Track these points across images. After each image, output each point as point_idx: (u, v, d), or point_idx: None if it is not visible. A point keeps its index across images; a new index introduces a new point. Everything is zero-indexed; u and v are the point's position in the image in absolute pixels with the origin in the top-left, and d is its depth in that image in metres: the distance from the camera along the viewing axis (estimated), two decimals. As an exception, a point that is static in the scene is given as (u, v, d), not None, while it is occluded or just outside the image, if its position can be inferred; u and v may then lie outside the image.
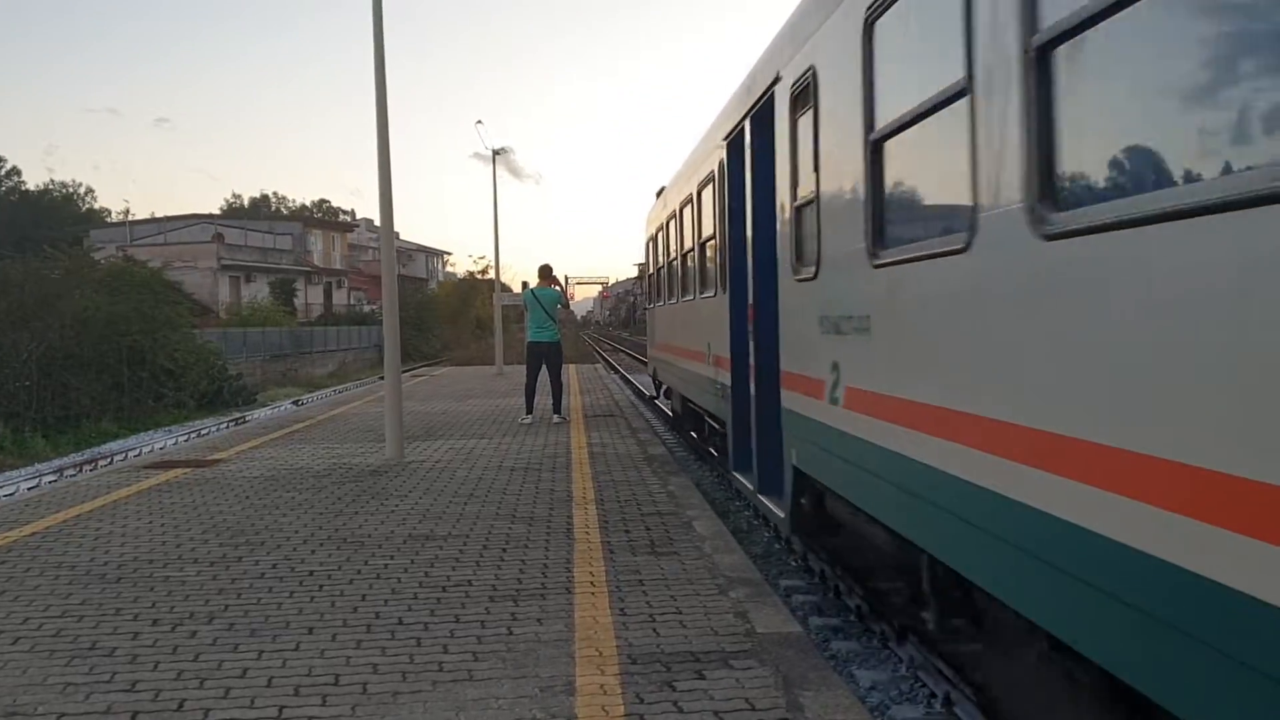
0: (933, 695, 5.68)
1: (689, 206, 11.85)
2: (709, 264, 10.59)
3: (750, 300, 8.02)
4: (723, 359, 9.40)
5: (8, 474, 18.55)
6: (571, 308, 30.89)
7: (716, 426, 10.96)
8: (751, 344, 8.03)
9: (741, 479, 8.97)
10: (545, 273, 15.51)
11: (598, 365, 36.02)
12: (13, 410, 24.25)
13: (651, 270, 17.49)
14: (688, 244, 12.09)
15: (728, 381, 9.13)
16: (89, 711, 4.25)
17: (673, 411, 16.97)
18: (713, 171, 9.86)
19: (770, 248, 7.39)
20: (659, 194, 16.21)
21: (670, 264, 14.25)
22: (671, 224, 13.75)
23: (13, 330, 25.91)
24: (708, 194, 10.38)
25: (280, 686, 4.48)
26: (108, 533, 7.83)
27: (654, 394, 21.14)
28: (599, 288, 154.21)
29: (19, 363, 25.38)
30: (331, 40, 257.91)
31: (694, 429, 14.35)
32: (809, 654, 4.80)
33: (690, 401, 13.00)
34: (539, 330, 14.92)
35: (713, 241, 10.06)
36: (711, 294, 10.05)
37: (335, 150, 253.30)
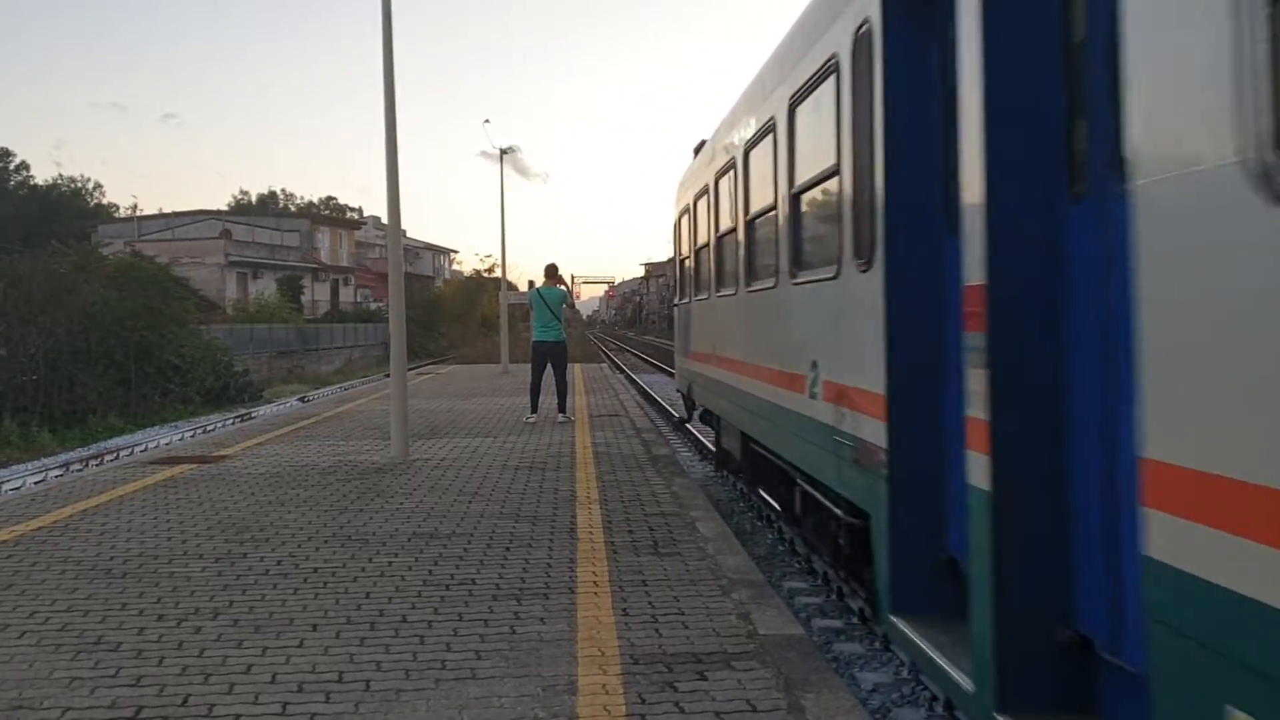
0: (934, 698, 5.69)
1: (766, 141, 7.67)
2: (816, 225, 6.61)
3: (981, 278, 3.77)
4: (855, 394, 5.46)
5: (14, 468, 18.62)
6: (577, 307, 31.03)
7: (835, 510, 6.16)
8: (971, 377, 3.88)
9: (925, 646, 4.61)
10: (551, 272, 15.54)
11: (603, 365, 36.04)
12: (20, 404, 24.33)
13: (686, 253, 12.96)
14: (764, 201, 7.80)
15: (876, 439, 5.07)
16: (94, 705, 4.28)
17: (717, 448, 12.26)
18: (833, 61, 5.79)
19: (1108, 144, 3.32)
20: (698, 150, 12.26)
21: (724, 239, 9.81)
22: (725, 182, 9.64)
23: (21, 325, 26.00)
24: (818, 106, 6.25)
25: (284, 683, 4.50)
26: (114, 528, 7.86)
27: (684, 415, 16.09)
28: (605, 287, 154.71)
29: (26, 357, 25.48)
30: (339, 37, 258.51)
31: (762, 485, 9.37)
32: (811, 656, 4.81)
33: (761, 446, 8.37)
34: (544, 330, 14.96)
35: (830, 185, 5.96)
36: (828, 275, 5.94)
37: (343, 148, 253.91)
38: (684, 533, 7.38)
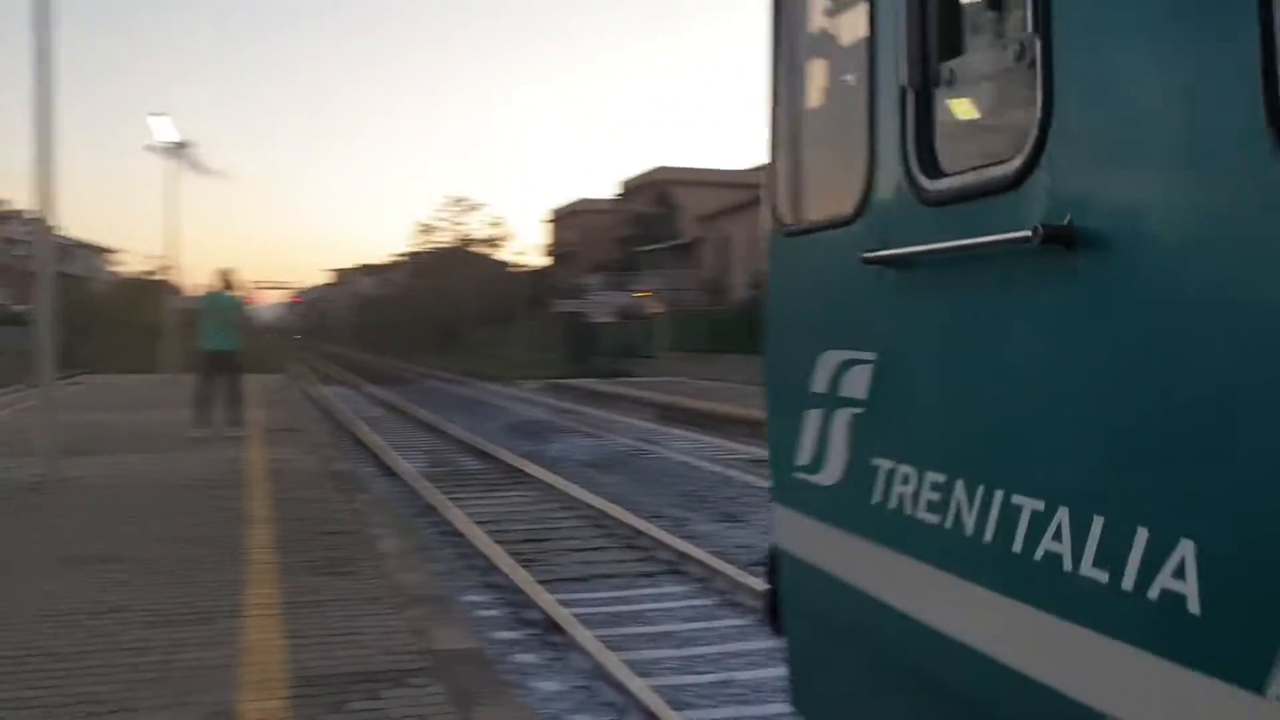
0: (611, 704, 5.92)
1: None
2: None
3: None
4: None
5: None
6: (253, 313, 29.59)
7: None
8: None
9: None
10: (224, 277, 14.66)
11: (279, 376, 34.54)
12: None
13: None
14: None
15: None
16: None
17: None
18: None
19: None
20: None
21: None
22: None
23: None
24: None
25: (-105, 732, 4.04)
26: None
27: None
28: (291, 293, 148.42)
29: None
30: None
31: None
32: (487, 669, 4.89)
33: None
34: (215, 338, 14.10)
35: None
36: None
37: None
38: (362, 551, 7.25)
